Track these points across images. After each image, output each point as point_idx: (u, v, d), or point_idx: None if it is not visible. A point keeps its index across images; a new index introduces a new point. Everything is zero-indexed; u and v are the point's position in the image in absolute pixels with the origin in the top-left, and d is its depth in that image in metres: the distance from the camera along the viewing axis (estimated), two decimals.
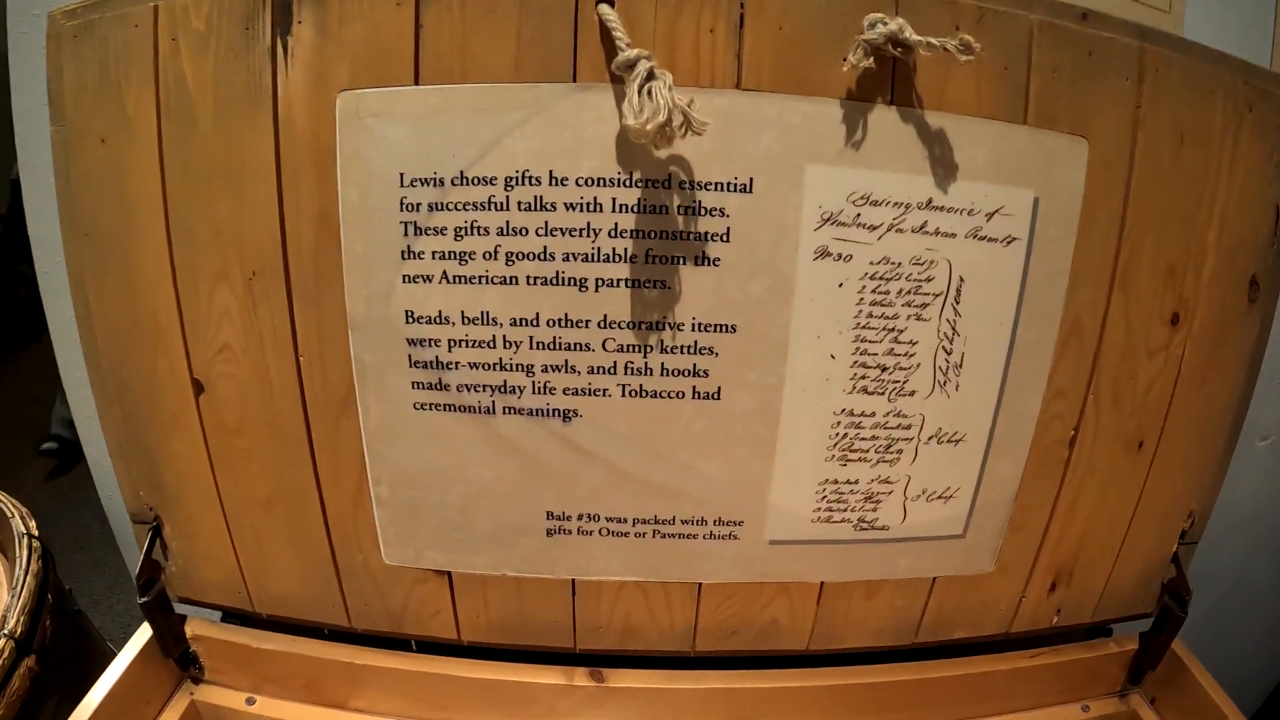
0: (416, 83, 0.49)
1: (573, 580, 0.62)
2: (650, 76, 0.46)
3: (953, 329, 0.55)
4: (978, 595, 0.64)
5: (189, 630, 0.64)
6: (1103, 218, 0.56)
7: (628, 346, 0.55)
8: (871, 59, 0.48)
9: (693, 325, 0.54)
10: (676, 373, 0.55)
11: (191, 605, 0.65)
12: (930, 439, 0.57)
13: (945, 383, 0.56)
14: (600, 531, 0.60)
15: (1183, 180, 0.57)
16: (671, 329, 0.54)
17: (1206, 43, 0.60)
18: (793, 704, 0.65)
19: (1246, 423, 0.79)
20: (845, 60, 0.48)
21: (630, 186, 0.51)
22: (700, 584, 0.61)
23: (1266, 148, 0.59)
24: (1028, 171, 0.54)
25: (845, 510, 0.58)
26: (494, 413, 0.57)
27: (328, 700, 0.66)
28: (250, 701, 0.65)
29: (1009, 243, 0.55)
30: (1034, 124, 0.54)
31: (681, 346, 0.54)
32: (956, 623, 0.65)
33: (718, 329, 0.54)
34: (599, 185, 0.51)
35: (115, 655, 0.60)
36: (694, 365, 0.55)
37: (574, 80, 0.50)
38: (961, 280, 0.55)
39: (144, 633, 0.62)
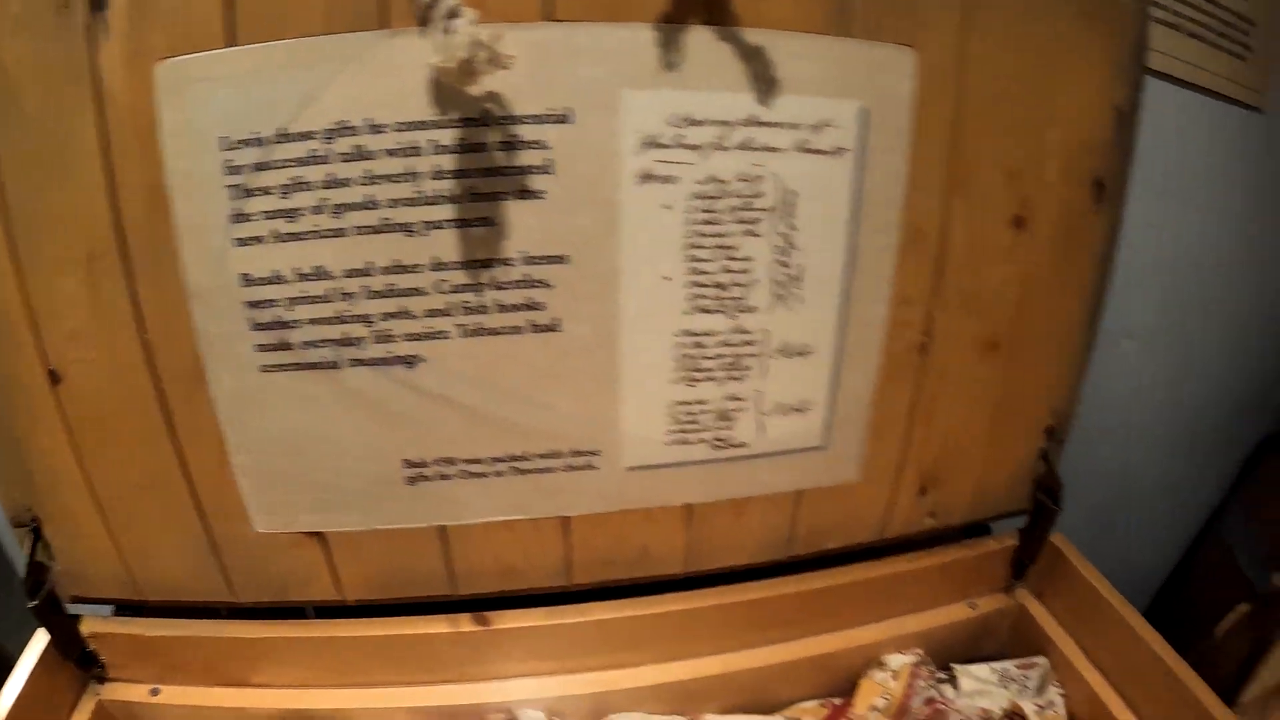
0: (233, 44, 0.50)
1: (442, 527, 0.64)
2: (453, 14, 0.47)
3: (787, 243, 0.58)
4: (847, 504, 0.68)
5: (84, 629, 0.66)
6: (937, 125, 0.59)
7: (460, 287, 0.57)
8: None
9: (523, 259, 0.56)
10: (512, 308, 0.58)
11: (84, 603, 0.67)
12: (777, 353, 0.61)
13: (785, 296, 0.59)
14: (459, 475, 0.63)
15: (1021, 86, 0.61)
16: (502, 265, 0.56)
17: None
18: (677, 627, 0.69)
19: (1113, 322, 0.83)
20: None
21: (448, 128, 0.53)
22: (567, 517, 0.64)
23: (1107, 51, 0.62)
24: (854, 83, 0.56)
25: (700, 431, 0.62)
26: (339, 366, 0.59)
27: (230, 680, 0.69)
28: (154, 692, 0.68)
29: (838, 154, 0.58)
30: (860, 36, 0.56)
31: (514, 282, 0.57)
32: (829, 533, 0.69)
33: (548, 261, 0.57)
34: (416, 129, 0.53)
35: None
36: (529, 299, 0.58)
37: (385, 28, 0.50)
38: (793, 194, 0.57)
39: (41, 638, 0.64)
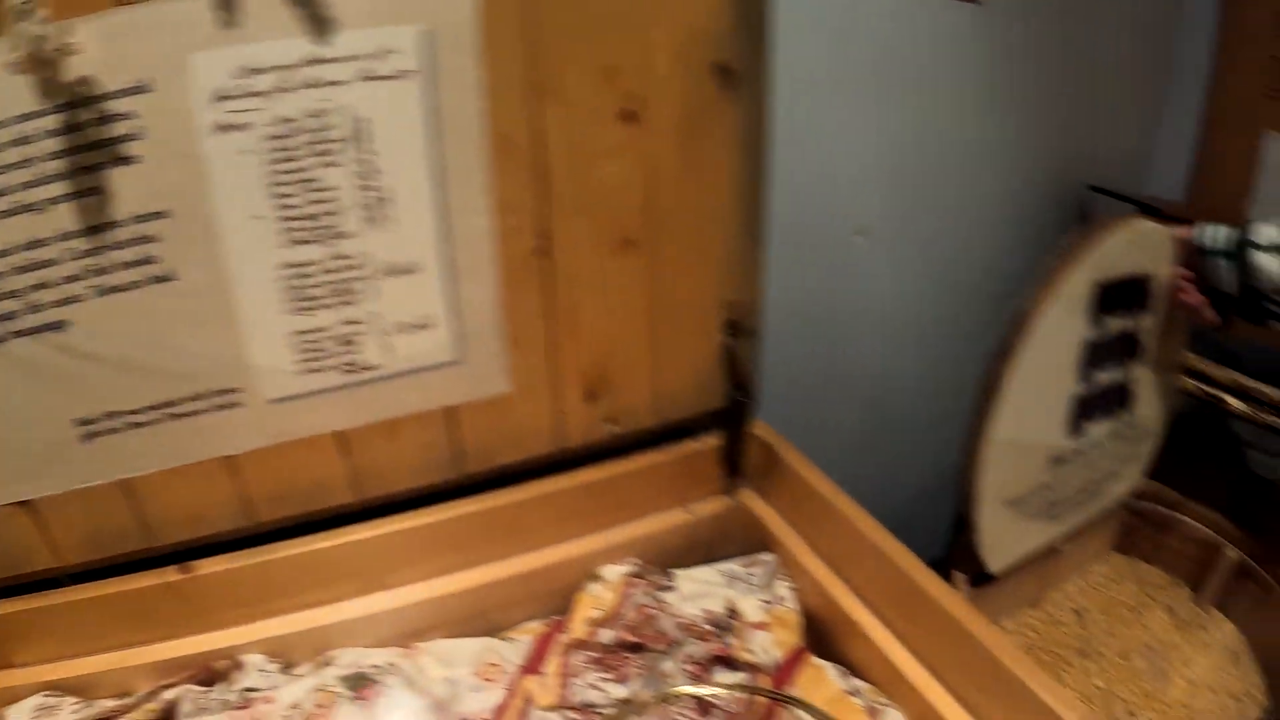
0: None
1: (125, 481, 0.72)
2: (22, 15, 0.56)
3: (369, 168, 0.65)
4: (509, 418, 0.75)
5: None
6: (509, 36, 0.65)
7: (85, 252, 0.65)
8: None
9: (133, 219, 0.64)
10: (133, 264, 0.65)
11: None
12: (383, 274, 0.68)
13: (377, 218, 0.66)
14: (125, 427, 0.70)
15: None
16: (115, 228, 0.64)
17: None
18: (376, 558, 0.76)
19: (843, 219, 0.88)
20: None
21: (51, 114, 0.61)
22: (231, 457, 0.71)
23: None
24: (411, 8, 0.63)
25: (326, 358, 0.69)
26: (4, 341, 0.67)
27: None
28: None
29: (405, 77, 0.65)
30: None
31: (128, 240, 0.65)
32: (500, 449, 0.76)
33: (153, 217, 0.64)
34: (25, 120, 0.61)
35: None
36: (144, 254, 0.65)
37: None
38: (366, 121, 0.64)
39: None
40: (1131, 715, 1.00)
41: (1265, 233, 0.86)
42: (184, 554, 0.77)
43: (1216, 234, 0.91)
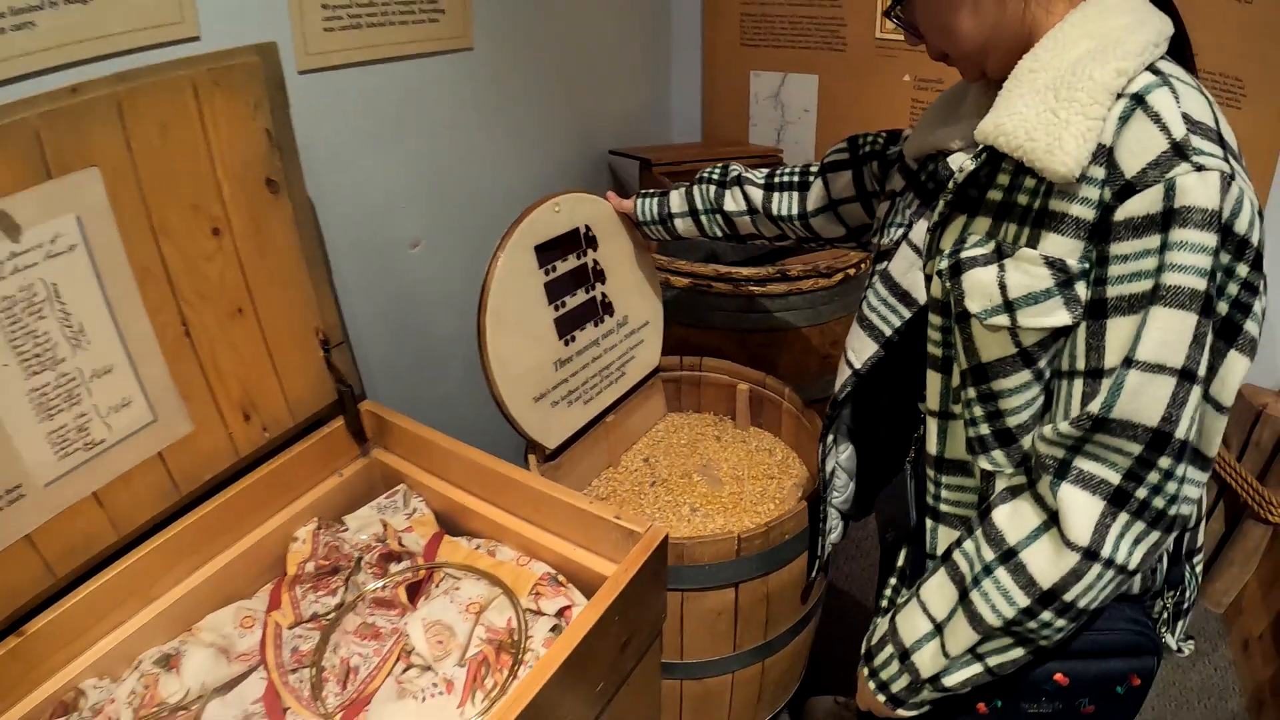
0: None
1: None
2: None
3: (65, 312, 1.44)
4: (201, 447, 1.57)
5: None
6: (130, 202, 1.42)
7: None
8: None
9: None
10: None
11: None
12: (93, 377, 1.47)
13: (79, 343, 1.46)
14: None
15: (179, 150, 1.43)
16: None
17: (222, 28, 1.54)
18: (138, 576, 1.54)
19: (398, 236, 1.84)
20: None
21: None
22: (28, 534, 1.47)
23: (240, 100, 1.51)
24: (66, 203, 1.38)
25: (72, 444, 1.45)
26: None
27: None
28: None
29: (73, 249, 1.45)
30: (57, 175, 1.42)
31: None
32: (199, 471, 1.57)
33: None
34: None
35: None
36: None
37: None
38: (54, 284, 1.44)
39: None
40: (694, 510, 1.95)
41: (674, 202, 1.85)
42: (12, 626, 1.51)
43: (646, 209, 1.86)
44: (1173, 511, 0.95)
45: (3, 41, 1.34)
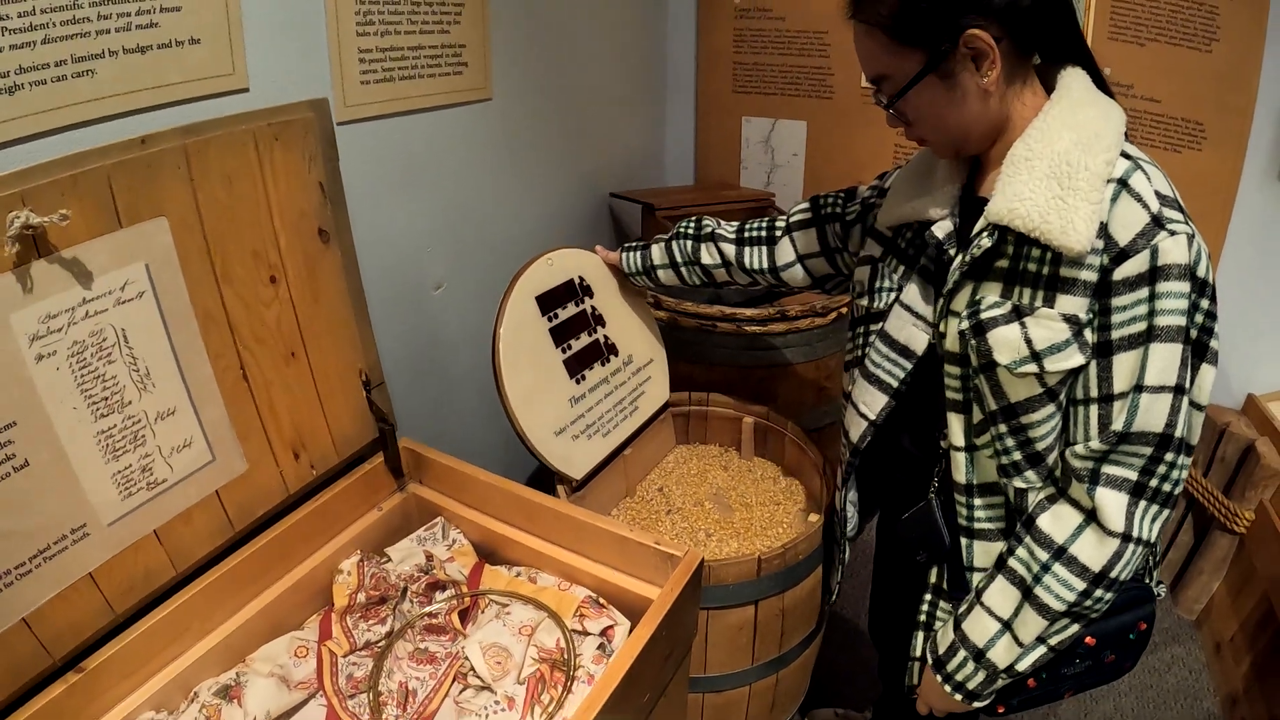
0: None
1: (23, 619, 1.51)
2: None
3: (133, 357, 1.50)
4: (251, 485, 1.63)
5: None
6: (195, 250, 1.48)
7: None
8: (17, 244, 1.39)
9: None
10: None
11: None
12: (157, 419, 1.54)
13: (145, 386, 1.52)
14: (15, 579, 1.45)
15: (241, 202, 1.48)
16: None
17: (270, 80, 1.61)
18: (200, 610, 1.60)
19: (423, 278, 1.93)
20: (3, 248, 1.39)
21: None
22: (91, 572, 1.53)
23: (297, 154, 1.56)
24: (136, 252, 1.44)
25: (135, 484, 1.51)
26: None
27: None
28: None
29: (141, 296, 1.50)
30: (127, 224, 1.48)
31: None
32: (253, 508, 1.63)
33: (7, 428, 1.45)
34: None
35: None
36: (6, 455, 1.45)
37: None
38: (123, 329, 1.50)
39: None
40: (709, 535, 2.03)
41: (656, 256, 1.98)
42: (73, 661, 1.56)
43: (630, 261, 2.00)
44: (1176, 491, 1.18)
45: (65, 88, 1.41)
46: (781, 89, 3.02)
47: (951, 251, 1.28)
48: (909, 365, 1.39)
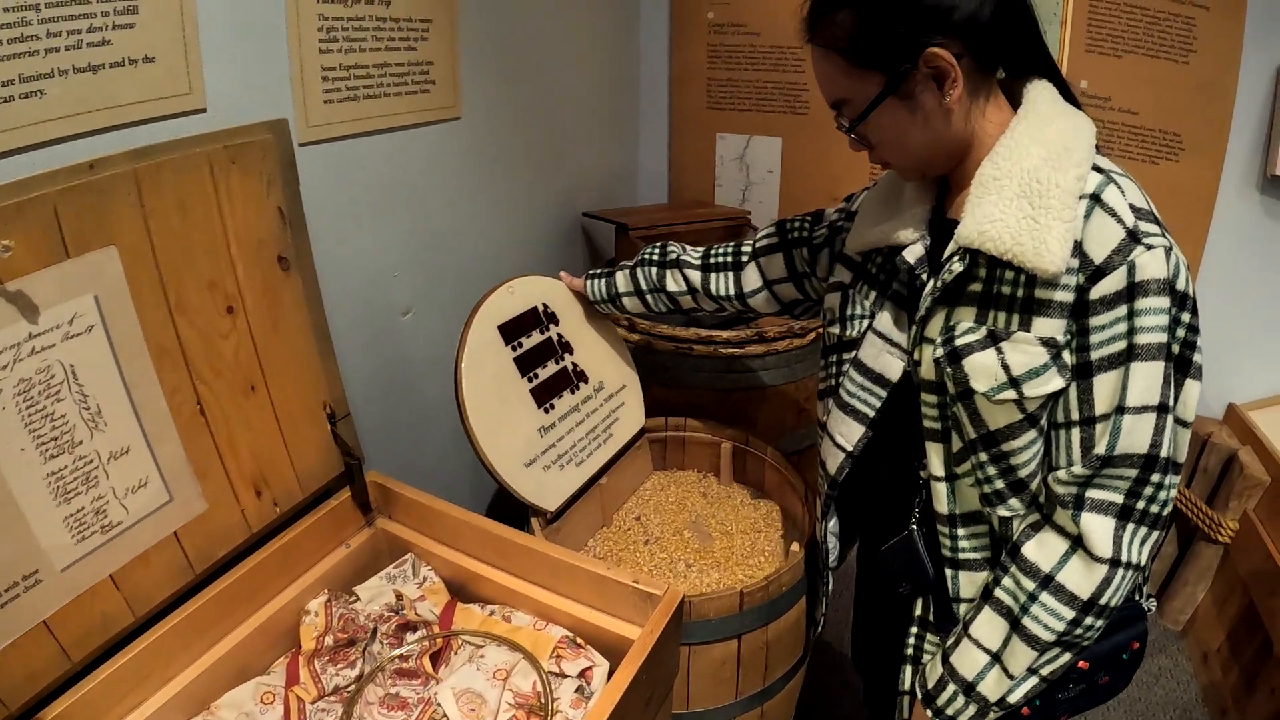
0: None
1: None
2: None
3: (83, 394, 1.42)
4: (215, 525, 1.55)
5: None
6: (147, 281, 1.40)
7: None
8: None
9: None
10: None
11: None
12: (111, 459, 1.46)
13: (97, 424, 1.45)
14: None
15: (196, 229, 1.41)
16: None
17: (229, 100, 1.53)
18: (162, 653, 1.50)
19: (391, 304, 1.85)
20: None
21: None
22: (46, 619, 1.44)
23: (255, 178, 1.49)
24: (85, 283, 1.36)
25: (89, 527, 1.44)
26: None
27: None
28: None
29: (91, 329, 1.43)
30: (75, 254, 1.39)
31: None
32: (214, 549, 1.56)
33: None
34: None
35: None
36: None
37: None
38: (72, 365, 1.42)
39: None
40: (689, 566, 1.97)
41: (621, 284, 1.93)
42: (29, 712, 1.47)
43: (595, 289, 1.96)
44: (1165, 512, 1.14)
45: (11, 110, 1.34)
46: (756, 105, 2.98)
47: (924, 276, 1.25)
48: (884, 393, 1.36)
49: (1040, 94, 1.16)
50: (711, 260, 1.80)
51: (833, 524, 1.62)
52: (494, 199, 2.36)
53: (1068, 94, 1.19)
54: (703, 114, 3.16)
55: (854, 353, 1.40)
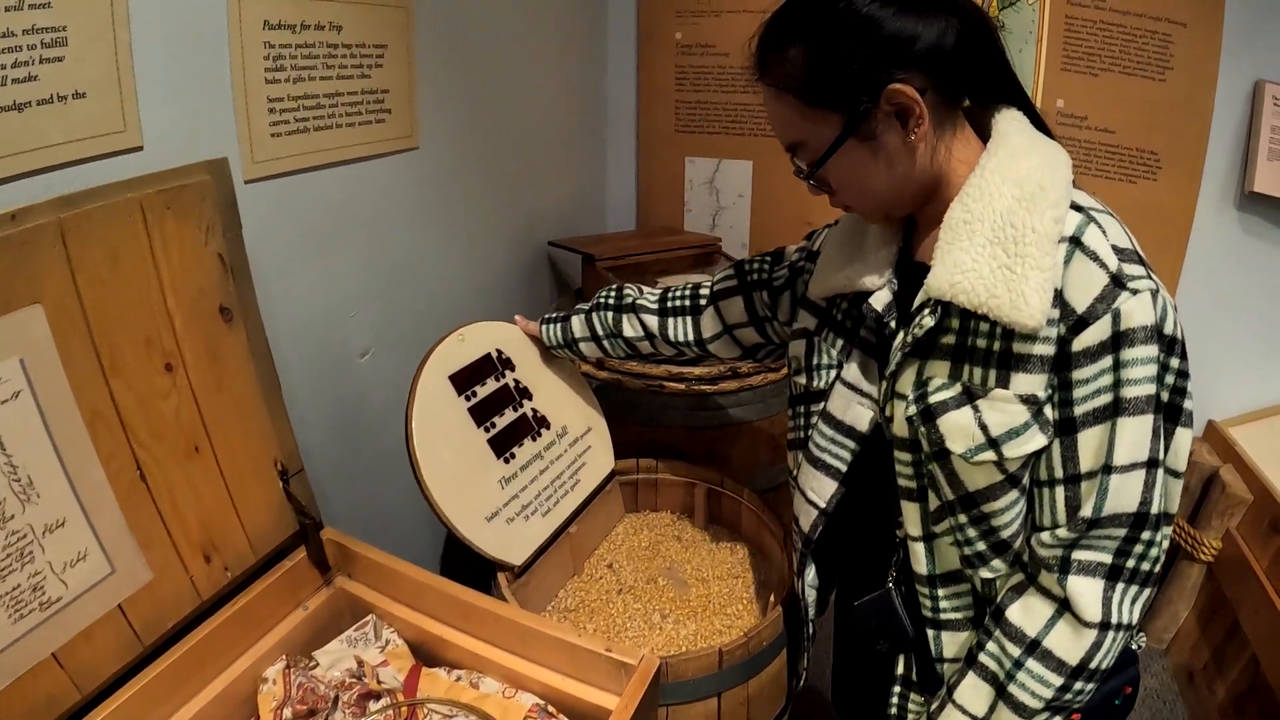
0: None
1: None
2: None
3: (12, 465, 1.32)
4: (162, 594, 1.46)
5: None
6: (77, 340, 1.30)
7: None
8: None
9: None
10: None
11: None
12: (45, 532, 1.36)
13: (29, 498, 1.35)
14: None
15: (129, 282, 1.31)
16: None
17: (168, 136, 1.42)
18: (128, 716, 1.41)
19: (347, 345, 1.75)
20: None
21: None
22: None
23: (192, 223, 1.39)
24: (9, 346, 1.22)
25: (26, 605, 1.34)
26: None
27: None
28: None
29: (17, 395, 1.33)
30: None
31: None
32: (163, 618, 1.45)
33: None
34: None
35: None
36: None
37: None
38: (0, 436, 1.33)
39: None
40: (664, 616, 1.88)
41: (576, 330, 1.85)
42: None
43: (550, 335, 1.88)
44: (1156, 569, 1.08)
45: None
46: (726, 127, 2.91)
47: (892, 324, 1.19)
48: (854, 446, 1.30)
49: (1010, 125, 1.09)
50: (669, 304, 1.72)
51: (810, 577, 1.60)
52: (455, 230, 2.26)
53: (1038, 121, 1.13)
54: (671, 137, 3.08)
55: (822, 404, 1.34)
